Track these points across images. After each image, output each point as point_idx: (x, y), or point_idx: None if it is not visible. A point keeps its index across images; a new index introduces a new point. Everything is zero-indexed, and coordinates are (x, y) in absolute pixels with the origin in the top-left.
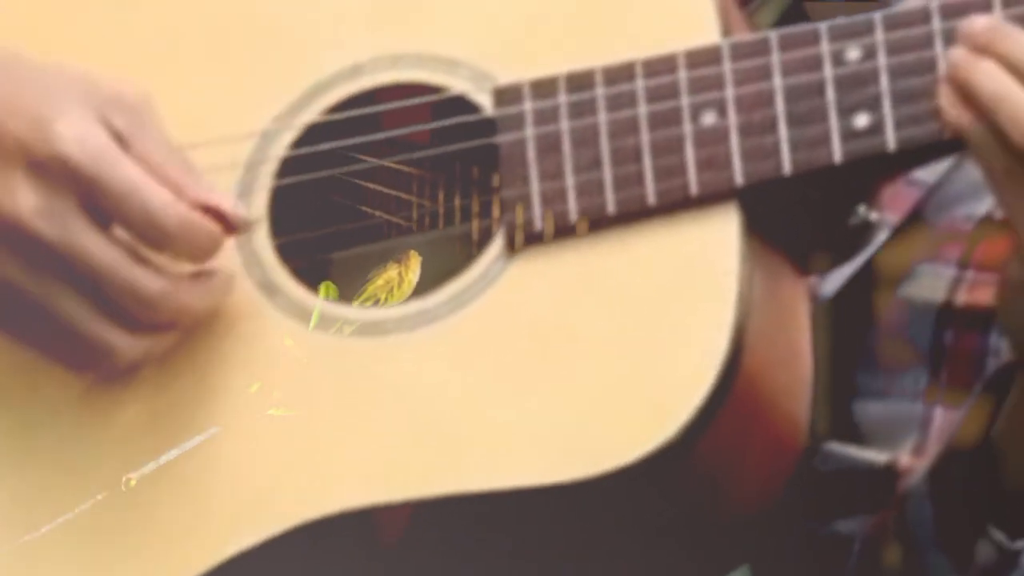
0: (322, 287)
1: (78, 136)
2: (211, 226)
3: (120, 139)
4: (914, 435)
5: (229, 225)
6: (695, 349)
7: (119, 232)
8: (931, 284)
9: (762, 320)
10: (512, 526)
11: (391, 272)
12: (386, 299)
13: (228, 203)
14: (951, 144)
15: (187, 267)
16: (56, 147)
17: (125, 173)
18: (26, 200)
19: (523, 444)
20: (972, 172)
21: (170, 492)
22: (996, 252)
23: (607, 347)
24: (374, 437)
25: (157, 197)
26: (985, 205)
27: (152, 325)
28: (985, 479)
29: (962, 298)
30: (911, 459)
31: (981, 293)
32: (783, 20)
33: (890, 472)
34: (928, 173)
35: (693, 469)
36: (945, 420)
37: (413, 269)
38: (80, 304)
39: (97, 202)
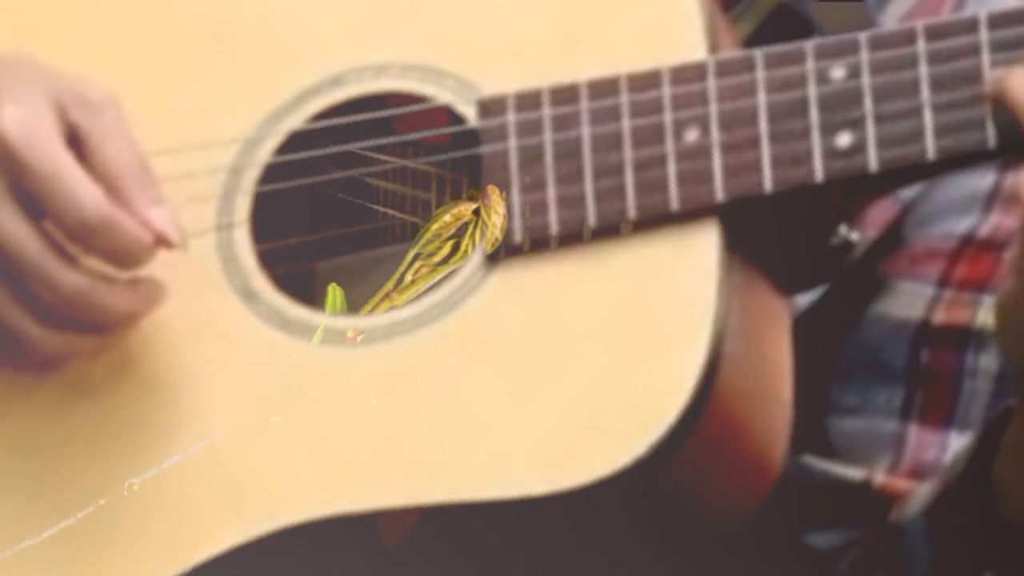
0: (330, 290)
1: (19, 118)
2: (136, 231)
3: (76, 134)
4: (889, 453)
5: (164, 240)
6: (672, 364)
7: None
8: (909, 302)
9: (740, 337)
10: (491, 533)
11: (461, 208)
12: (465, 247)
13: (164, 220)
14: (933, 166)
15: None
16: None
17: (55, 160)
18: None
19: (498, 456)
20: (951, 189)
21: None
22: (976, 271)
23: (583, 360)
24: (353, 445)
25: (83, 190)
26: (965, 223)
27: (69, 322)
28: (983, 520)
29: (940, 317)
30: (886, 477)
31: (959, 312)
32: (764, 27)
33: (865, 488)
34: (906, 188)
35: (667, 484)
36: (920, 439)
37: (498, 210)
38: None
39: (26, 187)
